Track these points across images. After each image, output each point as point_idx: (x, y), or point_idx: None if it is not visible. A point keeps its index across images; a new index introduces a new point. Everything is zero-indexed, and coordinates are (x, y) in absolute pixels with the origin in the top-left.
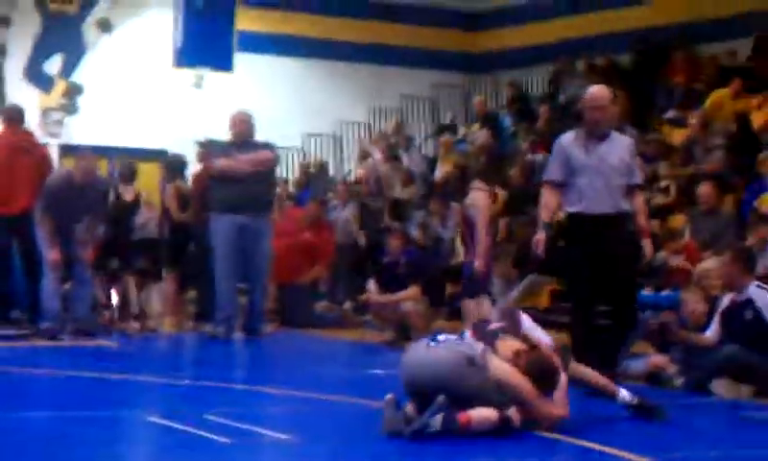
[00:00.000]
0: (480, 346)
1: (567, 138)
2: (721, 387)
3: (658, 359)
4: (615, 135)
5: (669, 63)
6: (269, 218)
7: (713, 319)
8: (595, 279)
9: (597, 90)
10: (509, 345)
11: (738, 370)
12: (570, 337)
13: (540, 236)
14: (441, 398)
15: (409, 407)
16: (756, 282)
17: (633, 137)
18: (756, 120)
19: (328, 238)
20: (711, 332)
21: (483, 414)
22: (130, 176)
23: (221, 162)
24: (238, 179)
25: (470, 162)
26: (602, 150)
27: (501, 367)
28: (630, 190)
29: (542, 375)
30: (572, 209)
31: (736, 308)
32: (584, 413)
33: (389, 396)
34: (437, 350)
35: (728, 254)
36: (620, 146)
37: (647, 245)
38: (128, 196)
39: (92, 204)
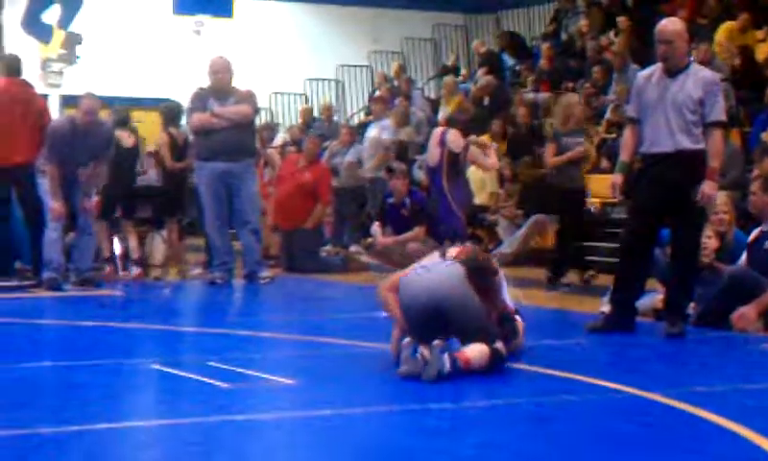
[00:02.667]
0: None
1: (644, 73)
2: (738, 319)
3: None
4: (694, 70)
5: None
6: (251, 163)
7: (734, 253)
8: (651, 224)
9: (664, 23)
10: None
11: (741, 292)
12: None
13: (616, 178)
14: (437, 342)
15: (424, 351)
16: None
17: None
18: (761, 53)
19: (325, 176)
20: (741, 263)
21: (477, 350)
22: (124, 121)
23: (196, 119)
24: (217, 129)
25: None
26: (674, 86)
27: None
28: (706, 128)
29: (480, 269)
30: (640, 149)
31: (761, 238)
32: (591, 352)
33: (407, 340)
34: (433, 274)
35: (760, 183)
36: (695, 81)
37: (705, 186)
38: (126, 142)
39: (96, 147)
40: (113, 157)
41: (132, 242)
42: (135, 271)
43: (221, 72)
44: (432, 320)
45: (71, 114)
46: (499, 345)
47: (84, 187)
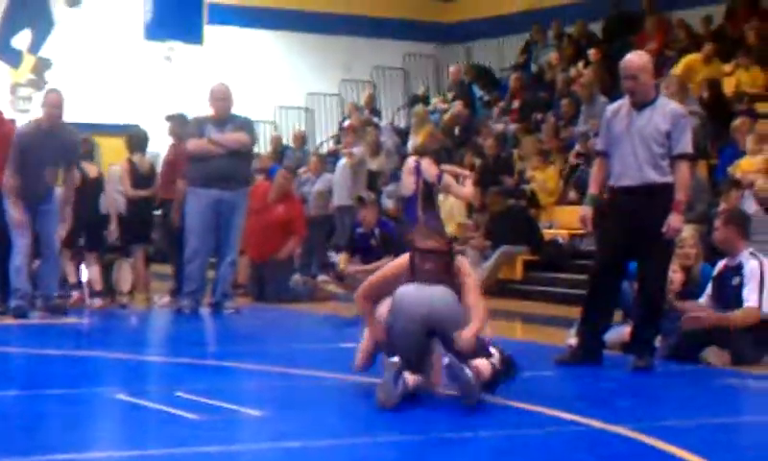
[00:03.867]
0: None
1: (612, 106)
2: (711, 355)
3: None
4: (662, 103)
5: (642, 30)
6: (245, 193)
7: (701, 287)
8: (619, 257)
9: (628, 58)
10: None
11: (720, 335)
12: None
13: (585, 212)
14: (449, 357)
15: (409, 377)
16: (751, 249)
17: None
18: (728, 87)
19: (299, 210)
20: (705, 299)
21: (482, 364)
22: (89, 152)
23: (194, 144)
24: (214, 156)
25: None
26: (641, 118)
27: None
28: (673, 161)
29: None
30: (608, 182)
31: (727, 273)
32: (558, 385)
33: (394, 359)
34: (431, 290)
35: (722, 217)
36: (661, 115)
37: (672, 219)
38: (91, 173)
39: (62, 148)
40: (78, 188)
41: (95, 273)
42: (98, 302)
43: (221, 99)
44: (426, 334)
45: (35, 119)
46: (496, 360)
47: (58, 212)
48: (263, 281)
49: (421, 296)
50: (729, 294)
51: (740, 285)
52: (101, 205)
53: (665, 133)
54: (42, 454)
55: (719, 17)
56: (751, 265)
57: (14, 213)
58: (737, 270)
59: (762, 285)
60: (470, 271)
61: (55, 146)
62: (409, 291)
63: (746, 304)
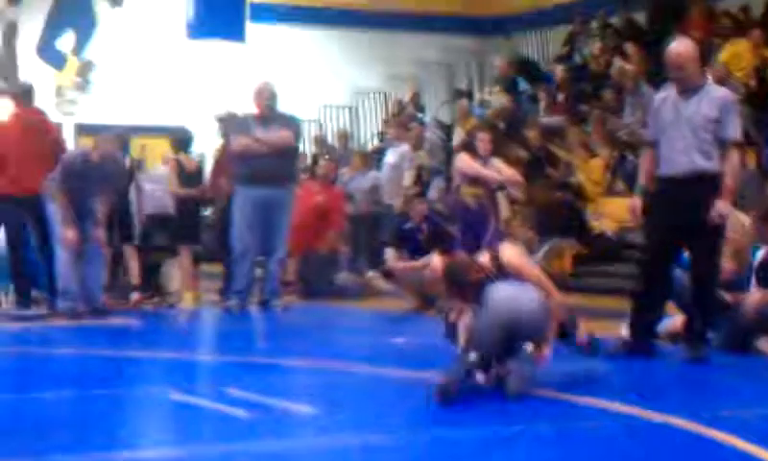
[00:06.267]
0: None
1: (660, 94)
2: (765, 344)
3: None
4: (710, 89)
5: (686, 19)
6: (291, 190)
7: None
8: (669, 247)
9: (673, 49)
10: None
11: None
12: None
13: (635, 202)
14: (528, 346)
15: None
16: None
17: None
18: None
19: (339, 202)
20: (753, 289)
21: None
22: (121, 146)
23: (238, 143)
24: (259, 154)
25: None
26: (689, 106)
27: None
28: (722, 147)
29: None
30: (657, 171)
31: None
32: (617, 378)
33: (473, 356)
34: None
35: (756, 212)
36: (709, 100)
37: (719, 205)
38: None
39: (109, 178)
40: None
41: (134, 268)
42: (136, 296)
43: (265, 98)
44: (507, 336)
45: (85, 149)
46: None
47: (97, 215)
48: (309, 277)
49: (510, 303)
50: None
51: None
52: (132, 198)
53: (714, 120)
54: (97, 451)
55: (757, 7)
56: None
57: (66, 231)
58: None
59: None
60: (522, 262)
61: (100, 178)
62: (499, 292)
63: None
